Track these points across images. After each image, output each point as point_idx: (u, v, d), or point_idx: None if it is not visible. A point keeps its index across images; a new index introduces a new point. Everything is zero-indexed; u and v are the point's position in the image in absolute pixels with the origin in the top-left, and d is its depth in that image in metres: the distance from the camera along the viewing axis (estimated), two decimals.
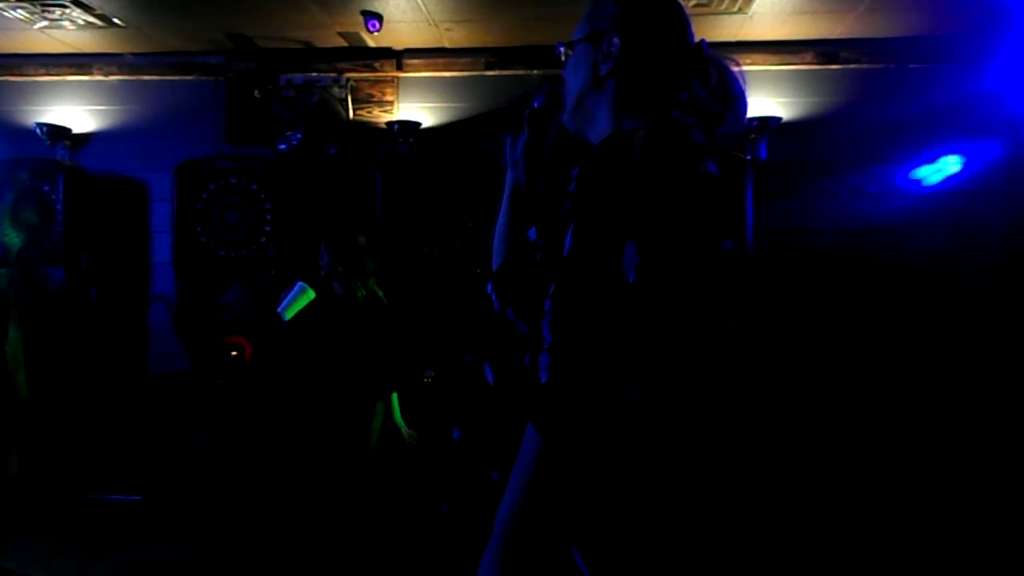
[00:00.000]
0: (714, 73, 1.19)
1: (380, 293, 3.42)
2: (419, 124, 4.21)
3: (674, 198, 1.06)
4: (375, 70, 4.35)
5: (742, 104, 1.19)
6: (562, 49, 1.26)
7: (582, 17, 1.26)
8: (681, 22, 1.23)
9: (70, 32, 4.07)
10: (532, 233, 1.17)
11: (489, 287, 1.21)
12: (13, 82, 4.53)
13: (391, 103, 4.36)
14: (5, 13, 3.76)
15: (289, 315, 3.02)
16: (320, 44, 4.27)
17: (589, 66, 1.22)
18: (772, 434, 3.88)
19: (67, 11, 3.75)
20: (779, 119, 4.03)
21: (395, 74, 4.35)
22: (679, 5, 1.24)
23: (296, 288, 3.10)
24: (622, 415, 1.03)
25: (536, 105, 1.31)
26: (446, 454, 1.21)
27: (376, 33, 3.86)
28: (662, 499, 1.07)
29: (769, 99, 4.14)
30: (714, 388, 1.11)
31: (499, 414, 1.14)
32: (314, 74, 4.35)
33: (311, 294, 3.09)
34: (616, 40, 1.19)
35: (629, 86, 1.20)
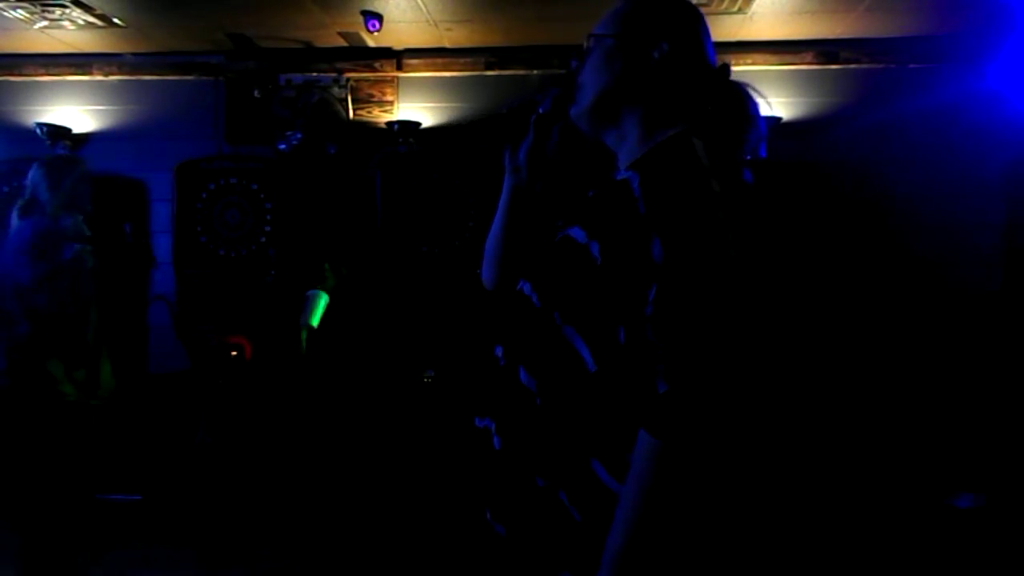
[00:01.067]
0: (736, 94, 1.22)
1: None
2: (419, 124, 4.21)
3: (742, 205, 1.14)
4: (375, 70, 4.35)
5: (759, 128, 1.24)
6: (590, 42, 1.23)
7: (613, 13, 1.24)
8: (709, 40, 1.24)
9: (70, 32, 4.07)
10: (580, 235, 1.15)
11: (528, 288, 1.21)
12: (13, 82, 4.53)
13: (391, 103, 4.36)
14: (5, 13, 3.76)
15: (315, 322, 3.09)
16: (320, 44, 4.27)
17: (622, 66, 1.20)
18: (783, 436, 3.88)
19: (67, 11, 3.74)
20: (779, 119, 4.03)
21: (395, 74, 4.35)
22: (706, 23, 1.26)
23: (311, 297, 3.16)
24: (747, 418, 1.08)
25: (542, 111, 1.29)
26: (488, 466, 1.20)
27: (376, 33, 3.86)
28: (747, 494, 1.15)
29: (769, 99, 4.13)
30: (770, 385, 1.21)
31: (542, 422, 1.13)
32: (314, 74, 4.35)
33: (325, 297, 3.15)
34: (665, 47, 1.18)
35: (666, 95, 1.20)
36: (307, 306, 3.16)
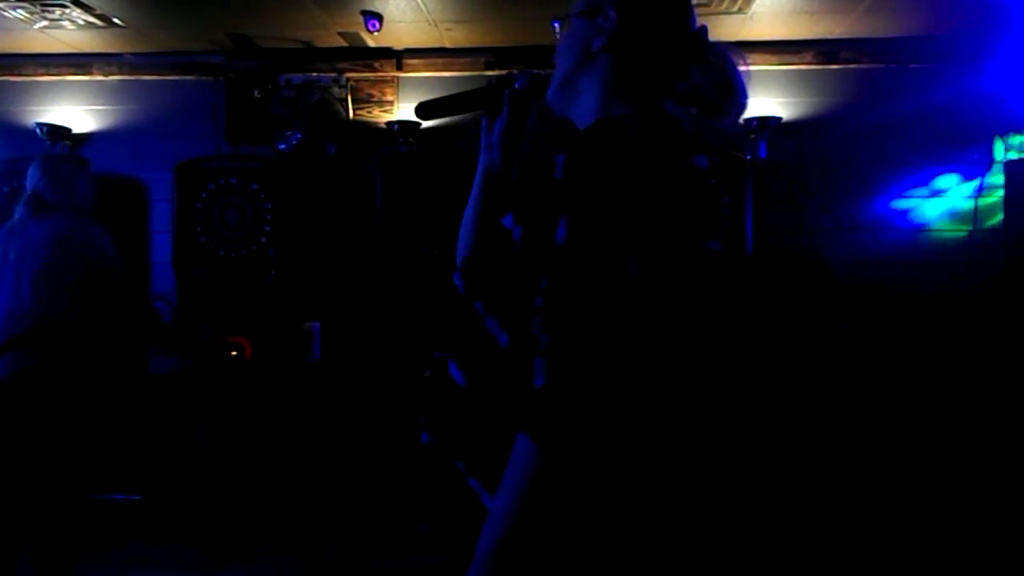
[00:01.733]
0: (715, 62, 1.12)
1: None
2: (419, 124, 4.21)
3: (671, 191, 1.00)
4: (375, 70, 4.35)
5: (742, 97, 1.12)
6: (558, 25, 1.20)
7: None
8: (683, 5, 1.17)
9: (70, 32, 4.07)
10: (508, 221, 1.10)
11: (457, 278, 1.14)
12: (13, 82, 4.53)
13: (391, 103, 4.36)
14: (5, 13, 3.76)
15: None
16: (320, 44, 4.27)
17: (582, 42, 1.15)
18: (769, 438, 3.88)
19: (67, 11, 3.74)
20: (779, 119, 4.03)
21: (395, 74, 4.35)
22: None
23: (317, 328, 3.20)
24: (632, 421, 0.94)
25: (518, 86, 1.25)
26: (417, 461, 1.13)
27: (376, 33, 3.86)
28: (670, 509, 1.01)
29: (769, 99, 4.14)
30: (714, 391, 1.04)
31: (471, 416, 1.06)
32: (314, 74, 4.35)
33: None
34: (612, 14, 1.11)
35: (623, 67, 1.13)
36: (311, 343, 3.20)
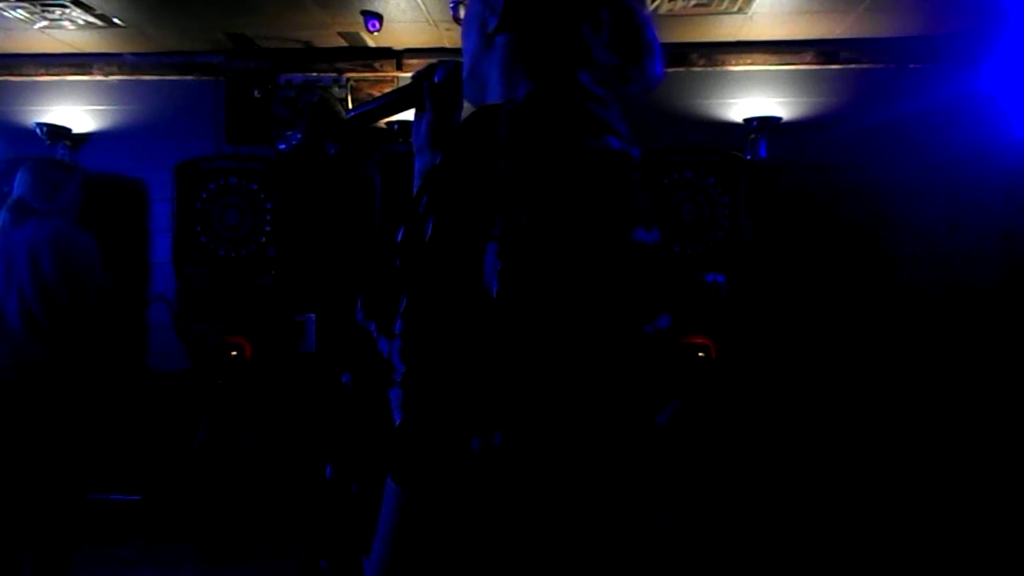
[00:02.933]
0: (607, 17, 0.96)
1: None
2: None
3: (548, 186, 0.83)
4: (375, 70, 4.35)
5: (649, 54, 0.97)
6: (454, 9, 1.11)
7: None
8: None
9: (70, 32, 4.07)
10: (400, 234, 0.95)
11: (359, 297, 1.00)
12: (13, 82, 4.53)
13: None
14: (5, 13, 3.76)
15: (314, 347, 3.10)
16: (320, 44, 4.27)
17: (479, 24, 1.04)
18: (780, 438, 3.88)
19: (67, 11, 3.75)
20: (779, 119, 4.03)
21: (395, 74, 4.35)
22: None
23: (312, 320, 3.16)
24: (485, 463, 0.80)
25: (437, 79, 1.12)
26: (317, 488, 1.03)
27: (376, 33, 3.86)
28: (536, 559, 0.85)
29: (769, 99, 4.14)
30: (608, 422, 0.85)
31: (357, 439, 0.95)
32: (314, 74, 4.35)
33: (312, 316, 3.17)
34: (500, 4, 1.00)
35: (519, 44, 1.01)
36: (311, 332, 3.15)
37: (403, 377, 0.82)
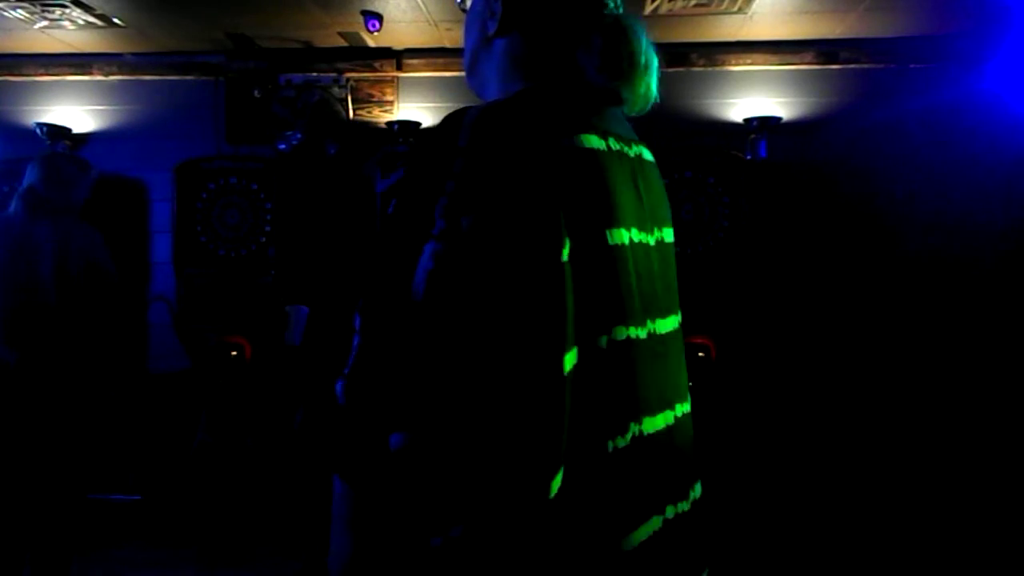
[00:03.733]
0: (599, 43, 0.97)
1: None
2: (419, 124, 4.22)
3: (505, 186, 0.80)
4: (375, 70, 4.35)
5: (639, 79, 0.97)
6: (459, 2, 1.12)
7: None
8: None
9: (70, 32, 4.07)
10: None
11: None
12: (13, 82, 4.53)
13: (391, 103, 4.36)
14: (5, 13, 3.76)
15: (299, 341, 3.08)
16: (320, 44, 4.27)
17: (479, 25, 1.09)
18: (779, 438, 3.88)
19: (67, 11, 3.74)
20: (779, 119, 4.03)
21: (395, 74, 4.35)
22: None
23: (303, 313, 3.15)
24: (395, 462, 0.82)
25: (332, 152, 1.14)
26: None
27: (376, 33, 3.86)
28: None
29: (769, 99, 4.14)
30: (534, 429, 0.78)
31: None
32: (314, 74, 4.35)
33: (304, 310, 3.15)
34: (499, 8, 1.04)
35: (518, 48, 1.03)
36: (299, 326, 3.14)
37: (348, 371, 0.85)
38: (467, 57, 1.12)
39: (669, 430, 0.94)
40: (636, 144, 1.03)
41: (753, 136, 4.01)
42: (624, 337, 0.88)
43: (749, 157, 3.98)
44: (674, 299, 1.04)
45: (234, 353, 3.94)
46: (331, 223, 4.28)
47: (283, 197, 4.17)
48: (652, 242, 0.98)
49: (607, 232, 0.87)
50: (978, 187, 4.03)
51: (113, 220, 4.44)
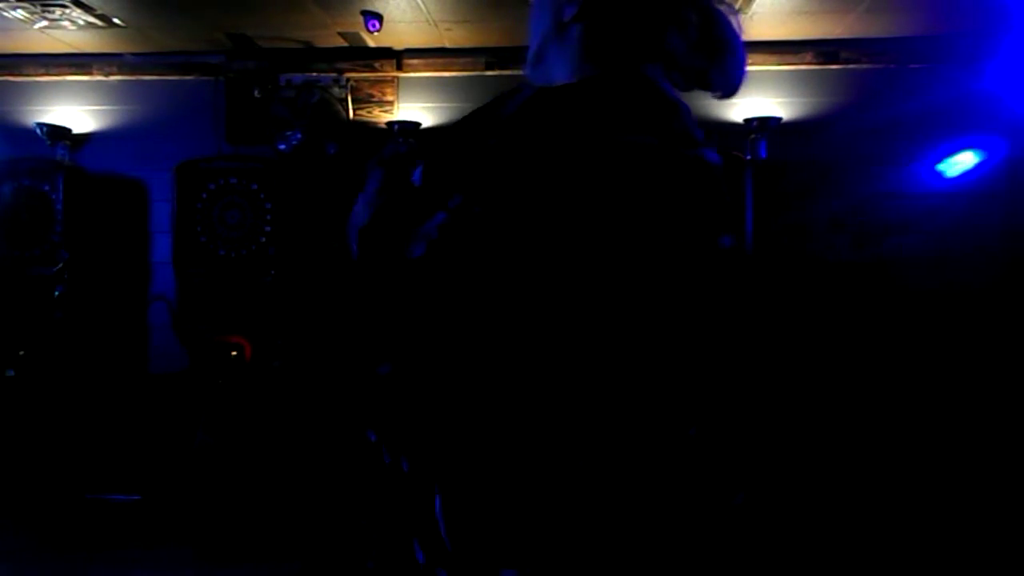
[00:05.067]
0: (694, 18, 0.96)
1: None
2: (419, 124, 4.22)
3: (532, 180, 0.81)
4: (375, 70, 4.35)
5: (733, 59, 0.96)
6: None
7: None
8: None
9: (70, 32, 4.07)
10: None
11: None
12: (13, 82, 4.53)
13: (391, 103, 4.36)
14: (5, 13, 3.76)
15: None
16: (320, 44, 4.27)
17: (552, 11, 1.03)
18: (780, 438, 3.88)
19: (67, 11, 3.74)
20: (779, 119, 4.03)
21: (395, 74, 4.35)
22: None
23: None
24: (372, 390, 0.87)
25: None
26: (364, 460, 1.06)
27: (376, 33, 3.86)
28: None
29: (769, 99, 4.14)
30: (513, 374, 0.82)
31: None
32: (314, 74, 4.35)
33: None
34: None
35: (595, 35, 0.99)
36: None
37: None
38: (533, 47, 1.06)
39: None
40: (696, 145, 0.98)
41: (753, 136, 4.01)
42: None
43: (749, 157, 3.98)
44: None
45: (234, 353, 3.94)
46: (331, 223, 4.28)
47: (283, 197, 4.17)
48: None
49: (643, 237, 0.86)
50: (979, 186, 4.03)
51: (113, 220, 4.45)
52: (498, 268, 0.80)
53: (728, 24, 0.97)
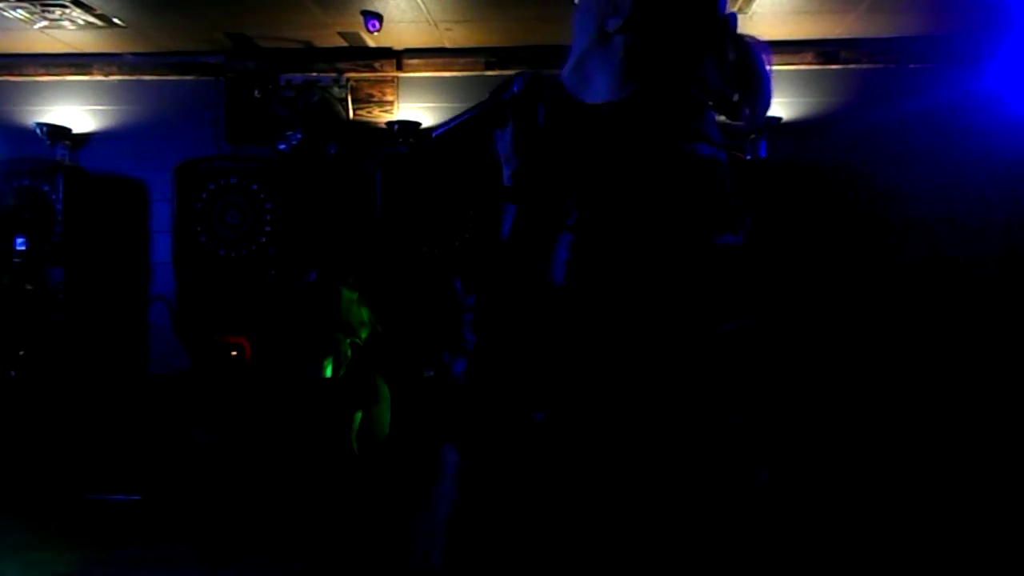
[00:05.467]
0: (732, 55, 1.02)
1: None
2: (419, 124, 4.21)
3: (636, 182, 0.89)
4: (375, 70, 4.35)
5: (762, 97, 1.03)
6: (576, 1, 1.13)
7: None
8: None
9: (70, 32, 4.07)
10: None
11: (457, 283, 1.11)
12: (13, 82, 4.53)
13: (391, 103, 4.36)
14: (5, 13, 3.76)
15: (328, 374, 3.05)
16: (320, 44, 4.27)
17: (596, 20, 1.07)
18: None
19: (67, 11, 3.74)
20: (779, 119, 4.03)
21: (395, 74, 4.35)
22: None
23: (311, 276, 3.14)
24: (528, 437, 0.89)
25: (516, 90, 1.18)
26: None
27: (376, 33, 3.86)
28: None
29: None
30: (656, 411, 0.91)
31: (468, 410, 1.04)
32: (314, 74, 4.35)
33: (350, 295, 3.13)
34: (626, 6, 1.04)
35: (637, 48, 1.04)
36: (343, 311, 3.09)
37: (471, 349, 0.90)
38: (574, 54, 1.11)
39: None
40: (721, 148, 1.07)
41: (753, 136, 4.01)
42: None
43: (749, 157, 3.98)
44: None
45: (234, 353, 3.94)
46: (331, 223, 4.28)
47: (283, 197, 4.17)
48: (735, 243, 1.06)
49: (712, 234, 0.94)
50: (979, 184, 4.03)
51: (113, 220, 4.45)
52: (626, 284, 0.88)
53: (763, 64, 1.03)
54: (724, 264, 0.95)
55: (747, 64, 1.02)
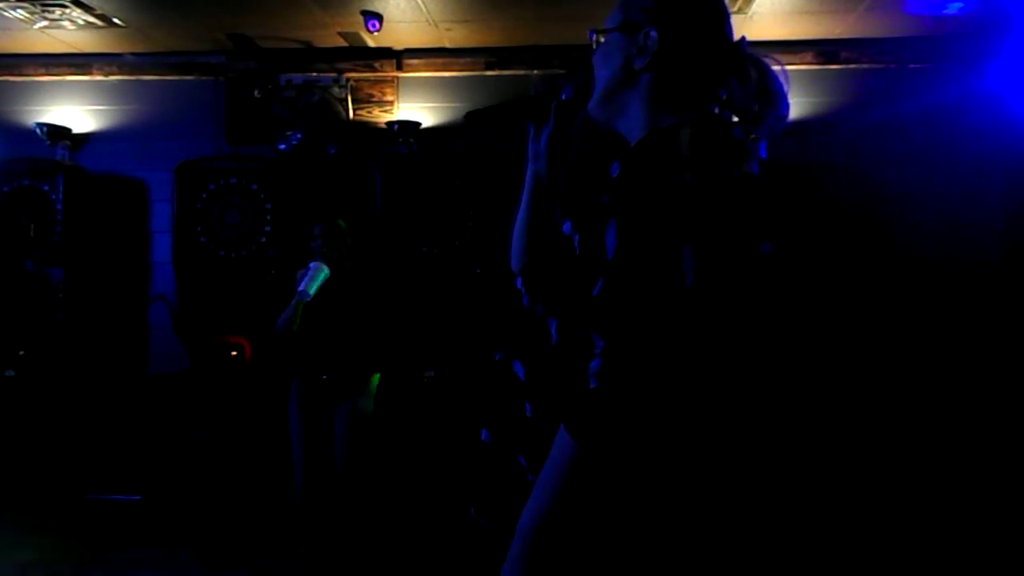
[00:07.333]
0: (753, 73, 1.15)
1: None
2: (419, 124, 4.21)
3: (725, 200, 1.03)
4: (375, 70, 4.35)
5: (783, 105, 1.16)
6: (594, 36, 1.22)
7: (617, 4, 1.22)
8: (721, 17, 1.19)
9: (70, 32, 4.07)
10: (567, 227, 1.17)
11: (519, 283, 1.22)
12: (13, 82, 4.53)
13: (391, 103, 4.36)
14: (5, 13, 3.76)
15: (312, 291, 3.10)
16: (320, 44, 4.27)
17: (622, 58, 1.17)
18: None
19: (67, 11, 3.75)
20: None
21: (395, 74, 4.35)
22: None
23: (312, 267, 3.16)
24: (677, 427, 1.01)
25: (564, 96, 1.27)
26: (475, 456, 1.22)
27: (376, 33, 3.86)
28: (705, 517, 1.09)
29: None
30: (764, 400, 1.11)
31: (532, 414, 1.15)
32: (314, 74, 4.35)
33: (326, 271, 3.16)
34: (653, 34, 1.14)
35: (665, 82, 1.16)
36: (307, 275, 3.12)
37: (604, 350, 0.98)
38: (600, 89, 1.22)
39: None
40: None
41: (753, 136, 4.01)
42: None
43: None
44: None
45: (234, 353, 3.94)
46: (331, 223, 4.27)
47: (283, 197, 4.17)
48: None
49: (760, 244, 1.09)
50: (980, 184, 4.03)
51: (113, 220, 4.45)
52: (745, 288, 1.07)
53: (780, 80, 1.17)
54: (765, 271, 1.10)
55: (766, 80, 1.15)
